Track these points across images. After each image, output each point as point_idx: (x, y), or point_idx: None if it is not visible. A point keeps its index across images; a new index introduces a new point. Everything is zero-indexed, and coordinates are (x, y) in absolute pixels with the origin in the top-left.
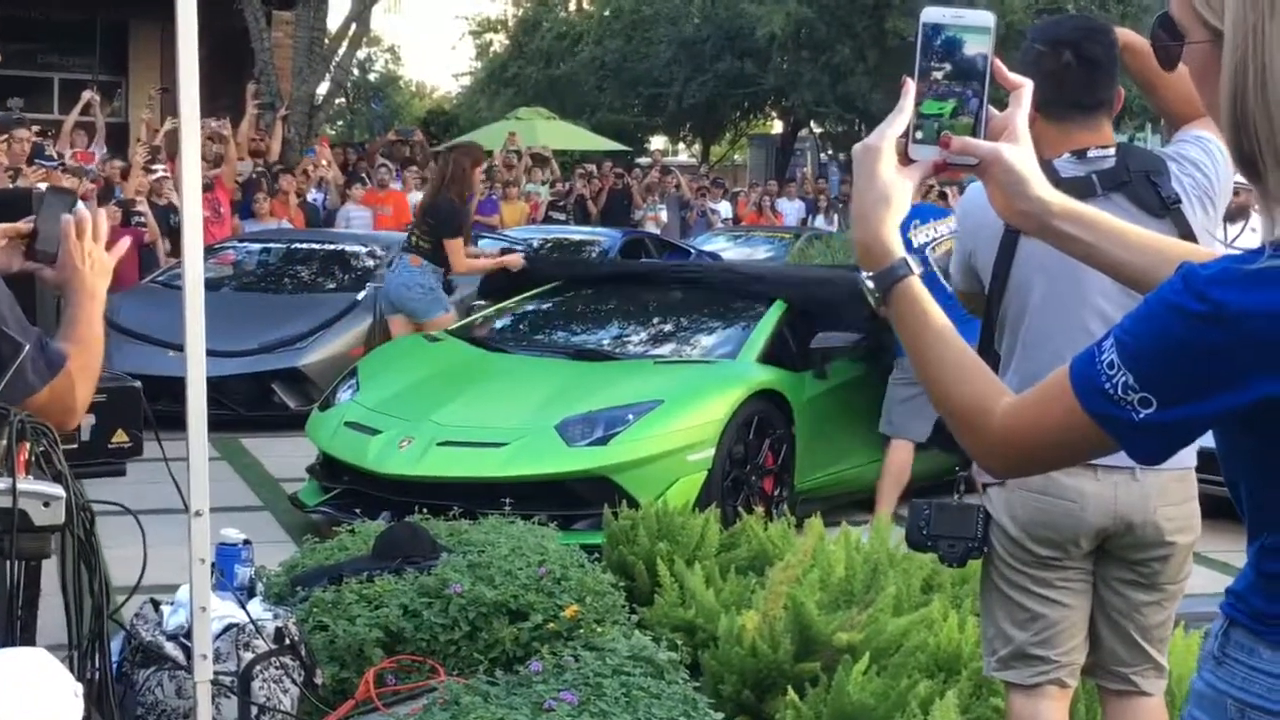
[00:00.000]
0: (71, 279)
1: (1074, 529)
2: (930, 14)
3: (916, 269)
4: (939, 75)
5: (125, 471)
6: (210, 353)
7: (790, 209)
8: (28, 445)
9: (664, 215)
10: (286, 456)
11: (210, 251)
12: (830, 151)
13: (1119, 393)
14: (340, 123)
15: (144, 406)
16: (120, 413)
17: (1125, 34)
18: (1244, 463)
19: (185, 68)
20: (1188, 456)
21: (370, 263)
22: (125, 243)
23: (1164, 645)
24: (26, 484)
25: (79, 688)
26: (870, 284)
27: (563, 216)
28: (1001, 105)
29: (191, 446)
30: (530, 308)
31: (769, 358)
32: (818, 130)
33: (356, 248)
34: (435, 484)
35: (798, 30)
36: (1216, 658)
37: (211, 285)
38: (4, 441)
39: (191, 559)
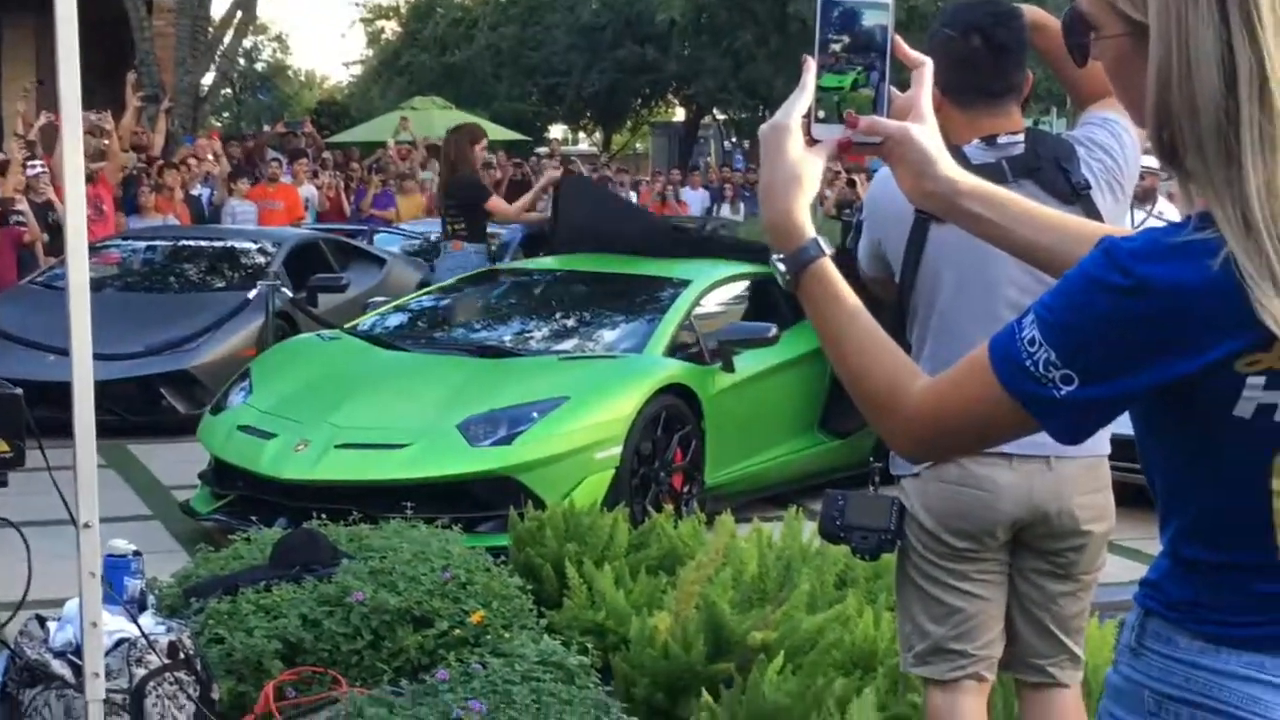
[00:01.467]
0: None
1: (989, 520)
2: None
3: (829, 250)
4: (837, 48)
5: (7, 482)
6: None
7: (694, 198)
8: None
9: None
10: (177, 463)
11: (93, 250)
12: (734, 139)
13: (1040, 370)
14: (226, 114)
15: (25, 414)
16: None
17: (1033, 12)
18: (1161, 443)
19: (65, 59)
20: (1101, 444)
21: (261, 259)
22: None
23: (1081, 636)
24: None
25: None
26: (781, 266)
27: None
28: (904, 87)
29: (79, 455)
30: (428, 304)
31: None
32: (721, 117)
33: (246, 244)
34: (334, 488)
35: (698, 15)
36: (1133, 649)
37: (95, 285)
38: None
39: (81, 572)
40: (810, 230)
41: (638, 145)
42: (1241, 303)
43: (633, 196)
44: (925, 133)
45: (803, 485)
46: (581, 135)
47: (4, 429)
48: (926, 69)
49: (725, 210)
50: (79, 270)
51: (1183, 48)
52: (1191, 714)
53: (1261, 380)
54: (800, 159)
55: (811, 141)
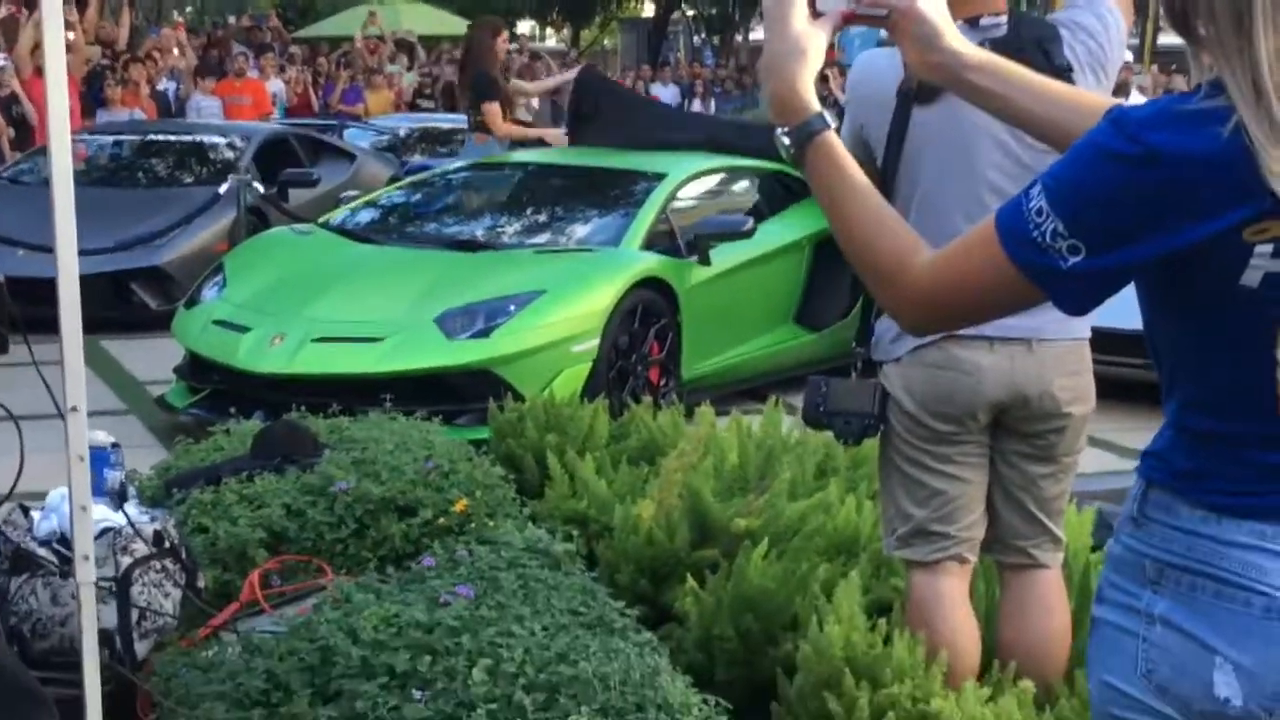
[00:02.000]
0: None
1: (971, 402)
2: None
3: (833, 123)
4: None
5: None
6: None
7: (665, 94)
8: None
9: (535, 103)
10: (150, 358)
11: None
12: (704, 34)
13: (1047, 240)
14: (189, 8)
15: (9, 305)
16: None
17: None
18: (1167, 314)
19: None
20: (1082, 327)
21: (230, 154)
22: None
23: (1060, 518)
24: None
25: None
26: (785, 139)
27: (430, 104)
28: None
29: (65, 338)
30: (401, 199)
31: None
32: (690, 12)
33: (216, 139)
34: (311, 382)
35: None
36: (1135, 519)
37: None
38: None
39: (69, 456)
40: (815, 104)
41: (606, 42)
42: (1251, 170)
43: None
44: (931, 4)
45: (780, 378)
46: (549, 31)
47: None
48: None
49: (696, 105)
50: (62, 158)
51: None
52: (1191, 581)
53: (1270, 248)
54: (804, 31)
55: (816, 14)
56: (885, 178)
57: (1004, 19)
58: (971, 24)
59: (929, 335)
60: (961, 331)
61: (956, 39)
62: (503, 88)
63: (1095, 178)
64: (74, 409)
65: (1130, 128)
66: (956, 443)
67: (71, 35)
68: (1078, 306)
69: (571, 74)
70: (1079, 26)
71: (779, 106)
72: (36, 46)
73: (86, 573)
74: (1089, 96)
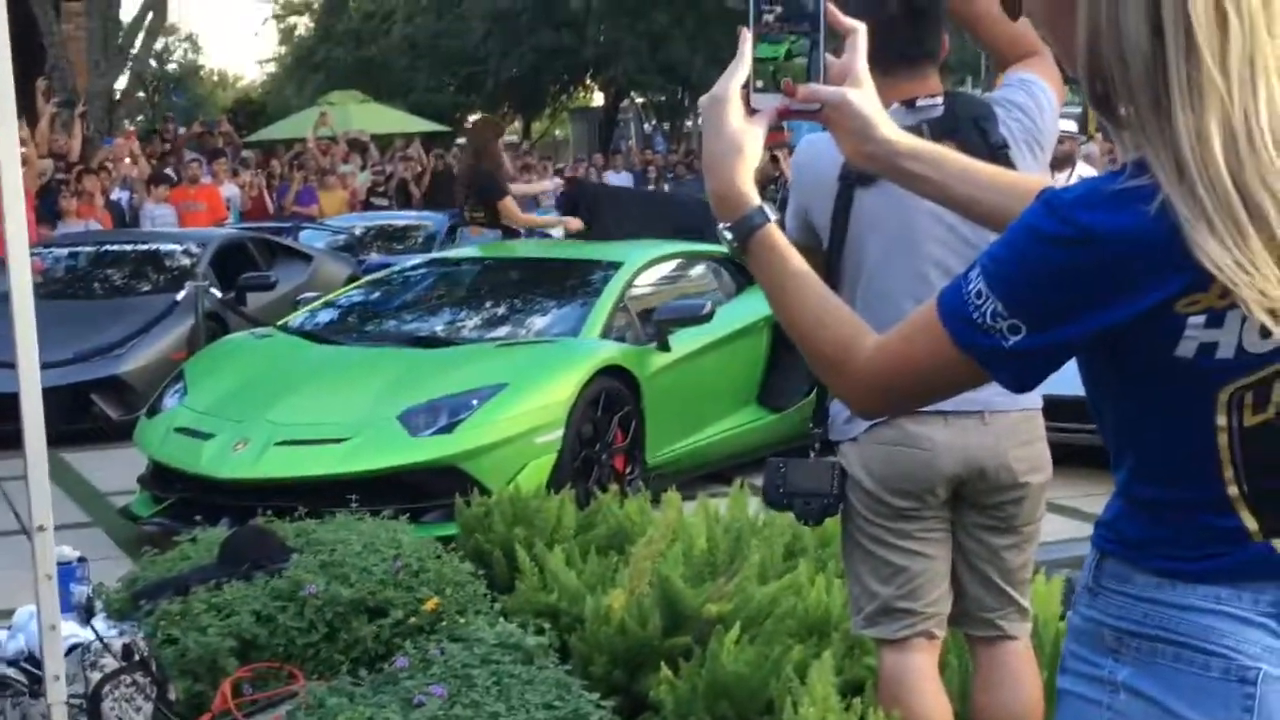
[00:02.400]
0: None
1: (929, 478)
2: None
3: (773, 216)
4: (770, 18)
5: None
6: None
7: (619, 180)
8: None
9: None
10: (113, 469)
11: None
12: (654, 121)
13: (988, 321)
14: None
15: None
16: None
17: None
18: (1109, 387)
19: None
20: (1034, 397)
21: (186, 261)
22: None
23: (1026, 587)
24: None
25: None
26: (729, 234)
27: (385, 202)
28: (838, 54)
29: (30, 458)
30: (359, 298)
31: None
32: (640, 100)
33: (172, 246)
34: (276, 485)
35: None
36: (1091, 589)
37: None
38: None
39: (37, 575)
40: (755, 198)
41: (557, 132)
42: (1178, 245)
43: (557, 182)
44: (862, 97)
45: (744, 460)
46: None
47: None
48: (860, 34)
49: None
50: (21, 274)
51: (1111, 4)
52: (1151, 647)
53: (1201, 319)
54: (741, 129)
55: (751, 111)
56: (830, 260)
57: (940, 100)
58: (908, 105)
59: (879, 417)
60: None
61: (889, 128)
62: (506, 182)
63: (1030, 259)
64: (40, 528)
65: (1062, 209)
66: (917, 519)
67: (24, 150)
68: (1020, 384)
69: (548, 184)
70: (1012, 104)
71: (720, 203)
72: None
73: (57, 692)
74: (1023, 178)
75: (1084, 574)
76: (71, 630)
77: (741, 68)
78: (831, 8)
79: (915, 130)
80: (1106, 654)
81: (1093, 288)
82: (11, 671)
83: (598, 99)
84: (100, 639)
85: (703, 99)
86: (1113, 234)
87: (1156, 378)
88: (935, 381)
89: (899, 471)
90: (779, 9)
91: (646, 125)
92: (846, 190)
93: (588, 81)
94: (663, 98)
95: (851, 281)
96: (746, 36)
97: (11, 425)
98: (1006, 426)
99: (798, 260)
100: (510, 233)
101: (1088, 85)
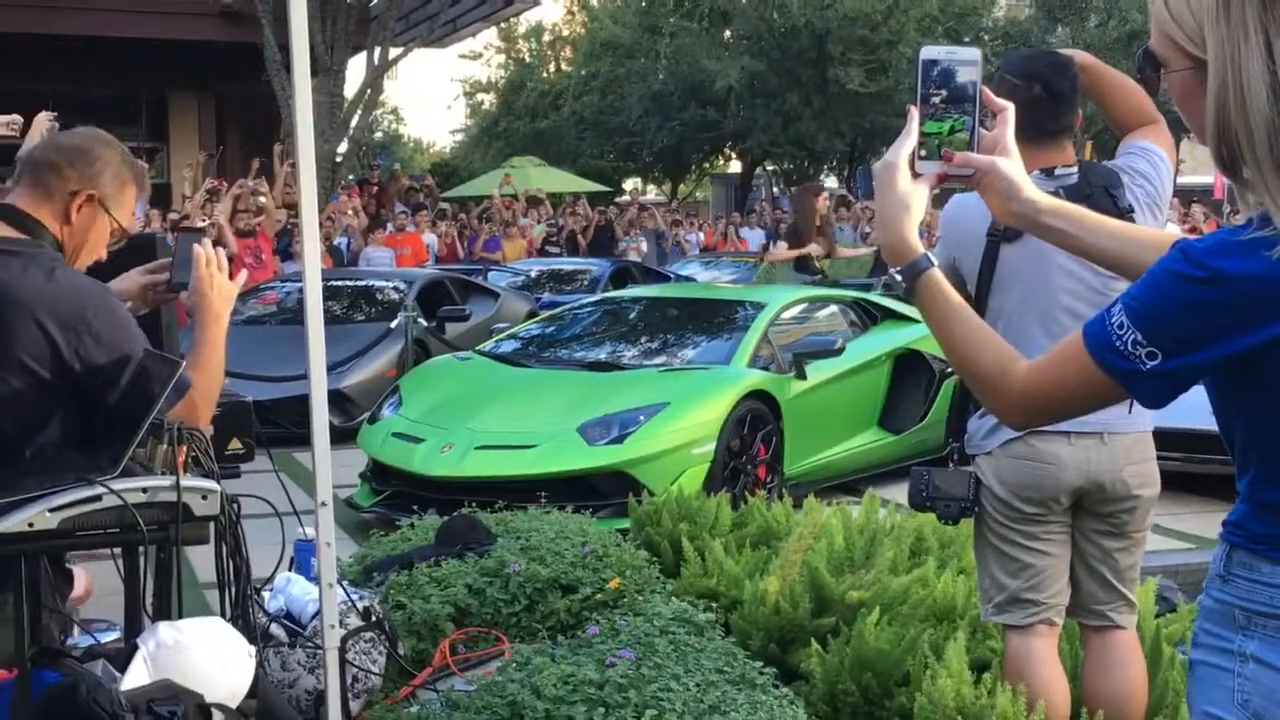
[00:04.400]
0: (200, 303)
1: (1054, 488)
2: (928, 51)
3: (936, 262)
4: (936, 100)
5: (240, 474)
6: (260, 378)
7: (752, 236)
8: (184, 449)
9: (644, 245)
10: (336, 467)
11: (255, 292)
12: (782, 185)
13: (1128, 348)
14: (351, 177)
15: (253, 419)
16: (234, 423)
17: (1083, 57)
18: (1236, 405)
19: (301, 124)
20: (1146, 422)
21: (395, 295)
22: (244, 275)
23: (1133, 585)
24: (188, 481)
25: (252, 649)
26: (899, 278)
27: (556, 250)
28: (988, 127)
29: (316, 444)
30: (539, 331)
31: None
32: (771, 168)
33: (383, 283)
34: (475, 483)
35: (751, 82)
36: (1222, 576)
37: (258, 321)
38: (166, 445)
39: (319, 542)
40: (920, 247)
41: (699, 194)
42: None
43: (700, 236)
44: (1010, 164)
45: (867, 474)
46: (652, 186)
47: (238, 429)
48: (1009, 112)
49: (782, 244)
50: (314, 294)
51: (1236, 77)
52: (1277, 625)
53: None
54: (908, 190)
55: (915, 175)
56: (976, 303)
57: (1074, 169)
58: (1047, 173)
59: (1030, 429)
60: (1043, 427)
61: (1032, 190)
62: (809, 234)
63: (1167, 296)
64: (323, 504)
65: (1196, 255)
66: (1042, 523)
67: (264, 201)
68: (1155, 401)
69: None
70: (1136, 172)
71: (891, 252)
72: (235, 214)
73: (333, 638)
74: (1147, 231)
75: (1214, 564)
76: (316, 595)
77: (909, 140)
78: (986, 91)
79: (1053, 195)
80: (1236, 630)
81: (1220, 321)
82: (274, 627)
83: (735, 166)
84: (351, 598)
85: (876, 165)
86: (1239, 276)
87: (1278, 397)
88: (1080, 396)
89: (1028, 482)
90: (944, 93)
91: (775, 189)
92: (993, 245)
93: (727, 151)
94: (790, 165)
95: (992, 322)
96: (914, 114)
97: (268, 429)
98: (1123, 447)
99: (956, 297)
100: (807, 269)
101: (1215, 151)
